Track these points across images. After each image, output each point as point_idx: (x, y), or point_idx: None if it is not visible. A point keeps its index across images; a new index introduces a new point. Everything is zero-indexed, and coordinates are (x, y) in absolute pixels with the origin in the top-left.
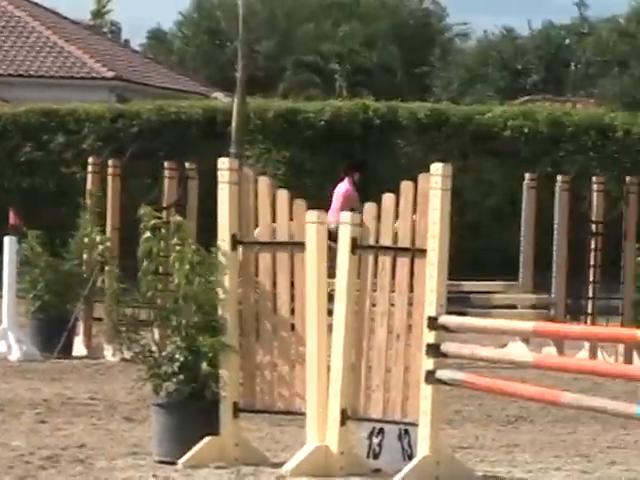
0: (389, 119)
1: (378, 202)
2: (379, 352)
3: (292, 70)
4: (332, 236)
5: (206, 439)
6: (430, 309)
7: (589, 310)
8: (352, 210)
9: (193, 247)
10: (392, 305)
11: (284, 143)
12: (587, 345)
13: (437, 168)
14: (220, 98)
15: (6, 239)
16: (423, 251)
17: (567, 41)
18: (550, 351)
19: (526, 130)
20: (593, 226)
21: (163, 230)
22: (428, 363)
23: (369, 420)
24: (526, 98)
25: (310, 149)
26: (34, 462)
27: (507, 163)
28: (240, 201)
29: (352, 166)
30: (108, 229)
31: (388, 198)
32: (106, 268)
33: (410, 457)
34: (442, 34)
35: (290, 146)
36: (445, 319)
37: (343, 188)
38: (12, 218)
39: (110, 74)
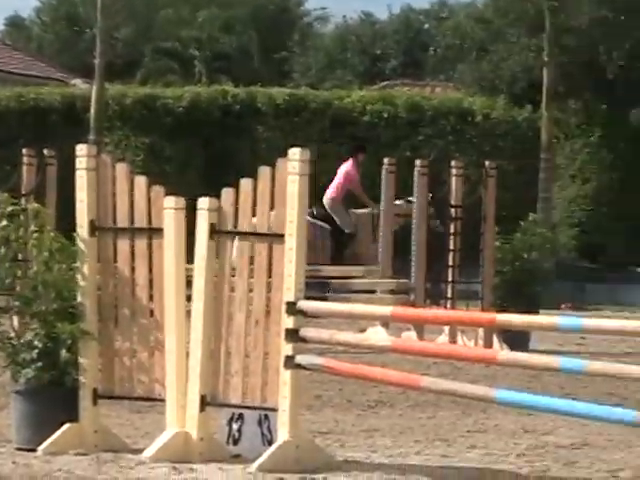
0: (248, 104)
1: (237, 187)
2: (238, 338)
3: (151, 56)
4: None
5: (66, 426)
6: (289, 294)
7: (449, 294)
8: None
9: (52, 234)
10: (251, 291)
11: (143, 129)
12: (447, 329)
13: (294, 153)
14: (79, 85)
15: None
16: (281, 236)
17: (426, 26)
18: (410, 335)
19: (385, 115)
20: (452, 210)
21: (21, 217)
22: (287, 348)
23: (228, 406)
24: (385, 83)
25: (169, 135)
26: None
27: (366, 148)
28: (98, 187)
29: (357, 148)
30: None
31: (246, 184)
32: None
33: (270, 442)
34: (301, 19)
35: (149, 132)
36: (304, 304)
37: (345, 168)
38: None
39: None
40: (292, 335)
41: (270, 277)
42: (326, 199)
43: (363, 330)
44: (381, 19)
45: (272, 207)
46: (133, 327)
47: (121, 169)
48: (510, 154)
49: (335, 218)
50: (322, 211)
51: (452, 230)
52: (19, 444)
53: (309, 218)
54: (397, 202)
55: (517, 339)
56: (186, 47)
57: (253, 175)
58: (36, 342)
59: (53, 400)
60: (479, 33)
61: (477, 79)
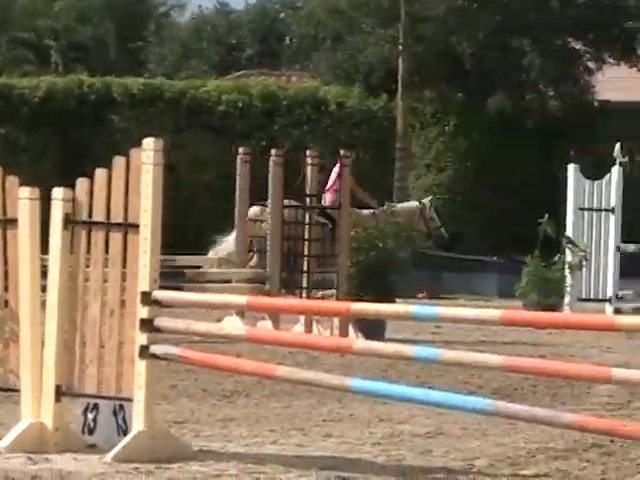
0: (103, 94)
1: (92, 177)
2: (93, 328)
3: (6, 46)
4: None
5: None
6: (143, 284)
7: (304, 284)
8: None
9: None
10: (105, 281)
11: None
12: (303, 319)
13: (149, 143)
14: None
15: None
16: (136, 226)
17: (282, 15)
18: (266, 325)
19: (240, 104)
20: (307, 199)
21: None
22: (142, 338)
23: (84, 396)
24: (241, 72)
25: (25, 125)
26: None
27: (221, 137)
28: None
29: (343, 151)
30: None
31: (101, 174)
32: None
33: (125, 432)
34: (157, 9)
35: (4, 122)
36: (159, 294)
37: (336, 169)
38: None
39: None
40: (147, 325)
41: (125, 267)
42: (324, 202)
43: (219, 320)
44: (237, 9)
45: (127, 196)
46: None
47: None
48: (366, 143)
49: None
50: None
51: (307, 219)
52: None
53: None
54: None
55: (373, 328)
56: (42, 37)
57: (108, 165)
58: None
59: None
60: (333, 23)
61: (332, 67)
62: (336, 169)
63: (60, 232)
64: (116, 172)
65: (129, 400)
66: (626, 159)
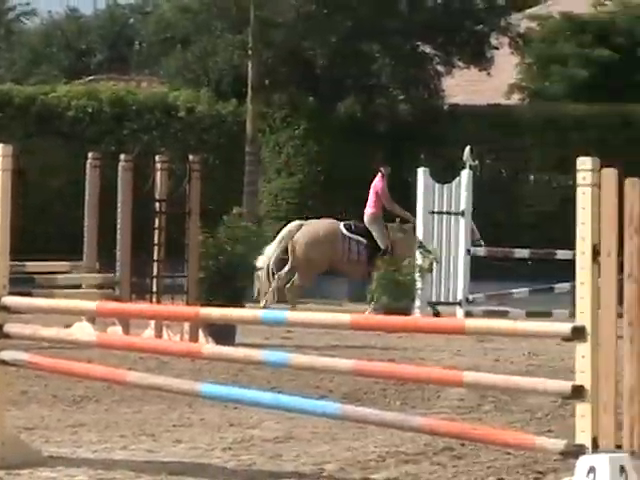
0: None
1: None
2: None
3: None
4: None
5: None
6: None
7: (154, 288)
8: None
9: None
10: None
11: None
12: (153, 324)
13: None
14: None
15: None
16: None
17: (131, 20)
18: (116, 330)
19: (90, 109)
20: (157, 204)
21: None
22: None
23: None
24: (91, 77)
25: None
26: None
27: (71, 143)
28: None
29: (380, 162)
30: None
31: None
32: None
33: None
34: (6, 14)
35: None
36: (7, 300)
37: (374, 182)
38: None
39: None
40: None
41: None
42: (366, 215)
43: (69, 325)
44: (87, 14)
45: None
46: None
47: None
48: (215, 148)
49: (373, 233)
50: (360, 225)
51: (157, 224)
52: None
53: (346, 232)
54: None
55: (223, 333)
56: None
57: None
58: None
59: None
60: (184, 23)
61: (181, 70)
62: (375, 182)
63: None
64: None
65: None
66: (476, 162)
